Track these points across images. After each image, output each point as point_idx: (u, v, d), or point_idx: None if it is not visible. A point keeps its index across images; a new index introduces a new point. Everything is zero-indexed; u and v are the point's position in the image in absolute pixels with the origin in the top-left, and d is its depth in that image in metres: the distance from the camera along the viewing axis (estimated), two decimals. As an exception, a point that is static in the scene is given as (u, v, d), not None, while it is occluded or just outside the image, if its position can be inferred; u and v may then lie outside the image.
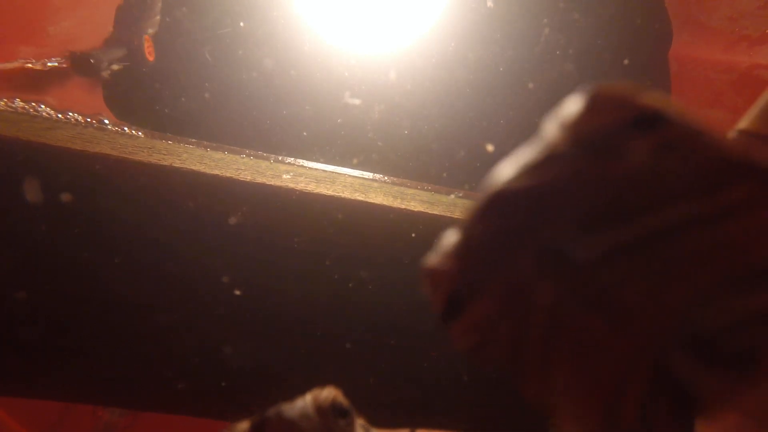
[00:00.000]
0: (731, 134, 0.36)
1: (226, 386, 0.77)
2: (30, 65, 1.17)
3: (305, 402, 0.44)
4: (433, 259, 0.27)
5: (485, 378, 0.80)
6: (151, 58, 1.15)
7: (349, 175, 0.83)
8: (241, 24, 1.13)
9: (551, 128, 0.26)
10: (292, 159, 0.86)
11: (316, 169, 0.82)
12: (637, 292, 0.22)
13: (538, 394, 0.25)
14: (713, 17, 1.21)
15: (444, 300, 0.26)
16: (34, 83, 1.18)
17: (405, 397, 0.75)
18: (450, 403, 0.72)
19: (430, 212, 0.77)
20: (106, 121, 0.97)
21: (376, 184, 0.82)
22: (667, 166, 0.23)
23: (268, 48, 1.14)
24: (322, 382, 0.43)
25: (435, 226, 0.76)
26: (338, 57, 1.17)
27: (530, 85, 1.15)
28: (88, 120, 0.95)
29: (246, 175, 0.74)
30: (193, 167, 0.73)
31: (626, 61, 1.17)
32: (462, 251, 0.25)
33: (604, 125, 0.24)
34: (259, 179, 0.75)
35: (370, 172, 0.89)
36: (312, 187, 0.76)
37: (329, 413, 0.43)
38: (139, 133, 0.84)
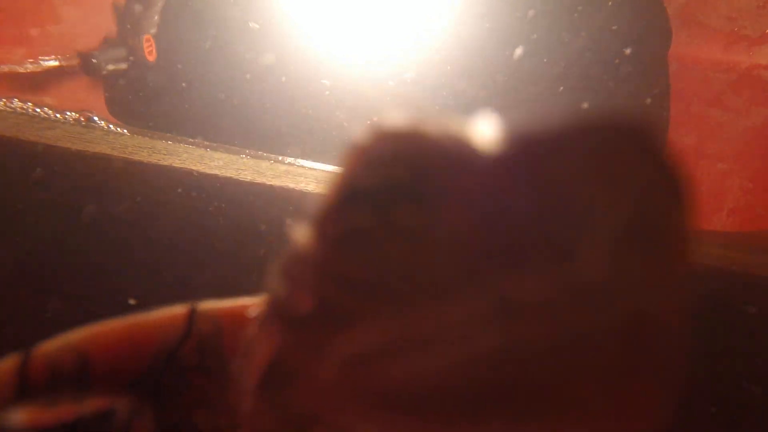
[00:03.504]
0: None
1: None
2: (30, 67, 1.17)
3: None
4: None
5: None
6: (151, 58, 1.15)
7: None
8: (243, 24, 1.14)
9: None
10: (292, 159, 0.86)
11: (315, 169, 0.82)
12: None
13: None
14: (713, 17, 1.21)
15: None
16: (33, 83, 1.18)
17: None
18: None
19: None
20: (96, 118, 0.97)
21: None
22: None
23: (268, 48, 1.14)
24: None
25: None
26: (338, 58, 1.17)
27: (529, 85, 1.15)
28: (75, 116, 0.95)
29: (246, 175, 0.75)
30: (193, 167, 0.73)
31: (626, 61, 1.17)
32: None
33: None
34: (259, 179, 0.75)
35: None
36: (312, 187, 0.76)
37: None
38: (125, 132, 0.84)
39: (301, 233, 0.22)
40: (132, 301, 0.69)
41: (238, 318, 0.31)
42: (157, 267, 0.73)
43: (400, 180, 0.19)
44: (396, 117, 0.20)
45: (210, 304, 0.33)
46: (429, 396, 0.18)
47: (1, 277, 0.72)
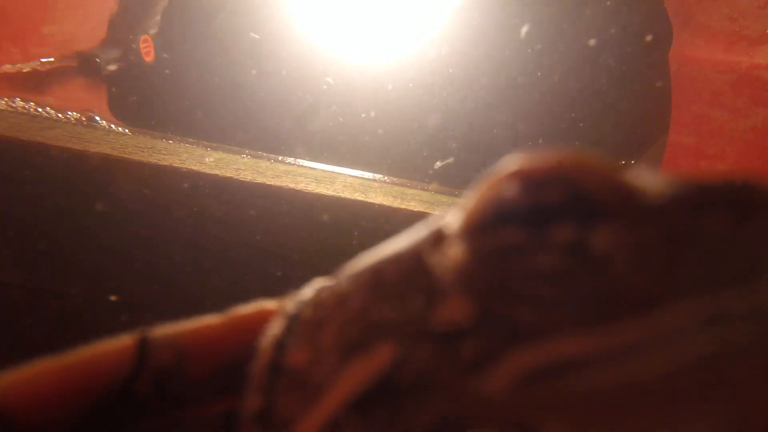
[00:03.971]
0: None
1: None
2: (34, 67, 1.17)
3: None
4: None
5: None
6: (149, 59, 1.15)
7: (349, 175, 0.83)
8: (249, 30, 1.14)
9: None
10: (292, 159, 0.86)
11: (315, 169, 0.82)
12: None
13: None
14: (713, 17, 1.21)
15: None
16: (35, 83, 1.18)
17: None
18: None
19: (430, 212, 0.77)
20: (98, 118, 0.98)
21: (376, 184, 0.82)
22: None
23: (267, 48, 1.14)
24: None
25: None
26: (338, 58, 1.17)
27: (528, 86, 1.15)
28: (77, 117, 0.95)
29: (246, 175, 0.75)
30: (193, 167, 0.73)
31: (625, 62, 1.17)
32: None
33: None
34: (259, 179, 0.75)
35: (370, 172, 0.89)
36: (312, 187, 0.76)
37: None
38: (126, 132, 0.84)
39: (431, 243, 0.22)
40: (113, 298, 0.69)
41: (201, 340, 0.30)
42: (157, 266, 0.73)
43: (558, 200, 0.20)
44: (542, 149, 0.21)
45: (169, 329, 0.30)
46: (632, 402, 0.18)
47: (0, 277, 0.72)
